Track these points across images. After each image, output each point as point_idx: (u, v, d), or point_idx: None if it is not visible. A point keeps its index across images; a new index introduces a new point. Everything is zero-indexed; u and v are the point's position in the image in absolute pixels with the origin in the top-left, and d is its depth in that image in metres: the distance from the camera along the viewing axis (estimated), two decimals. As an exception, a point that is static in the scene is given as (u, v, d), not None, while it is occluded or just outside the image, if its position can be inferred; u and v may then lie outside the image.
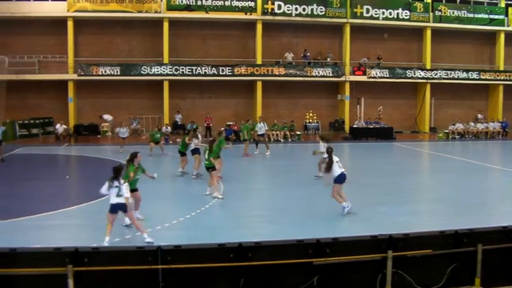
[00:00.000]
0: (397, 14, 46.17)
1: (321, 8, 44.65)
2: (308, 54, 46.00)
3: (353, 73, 45.63)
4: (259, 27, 44.16)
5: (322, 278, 8.92)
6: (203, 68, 43.01)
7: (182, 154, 23.50)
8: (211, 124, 40.86)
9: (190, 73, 42.95)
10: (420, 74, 46.88)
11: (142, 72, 42.53)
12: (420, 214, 16.74)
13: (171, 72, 42.75)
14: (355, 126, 42.82)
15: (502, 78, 48.79)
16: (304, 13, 44.46)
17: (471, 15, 47.68)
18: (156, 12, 42.77)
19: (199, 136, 23.35)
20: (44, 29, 42.74)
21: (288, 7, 44.18)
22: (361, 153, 34.84)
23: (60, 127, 38.90)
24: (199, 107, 44.44)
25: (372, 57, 46.88)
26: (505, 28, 48.65)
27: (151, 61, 43.31)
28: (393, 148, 37.21)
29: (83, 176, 25.78)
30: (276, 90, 45.49)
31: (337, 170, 15.79)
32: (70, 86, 42.42)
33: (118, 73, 42.18)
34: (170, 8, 42.78)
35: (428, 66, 47.31)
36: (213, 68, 43.12)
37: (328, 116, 47.34)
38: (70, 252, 8.35)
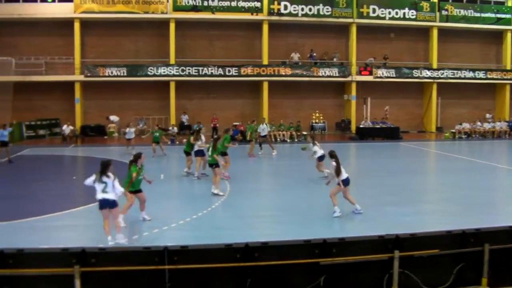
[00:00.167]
0: (404, 13, 46.09)
1: (327, 8, 44.61)
2: (315, 54, 45.97)
3: (359, 73, 45.59)
4: (265, 27, 44.17)
5: (329, 278, 8.92)
6: (209, 68, 43.04)
7: (187, 154, 23.61)
8: (217, 125, 40.90)
9: (196, 73, 42.99)
10: (427, 74, 46.78)
11: (149, 73, 42.58)
12: (427, 214, 16.71)
13: (177, 73, 42.79)
14: (361, 126, 42.75)
15: (509, 77, 48.61)
16: (310, 13, 44.43)
17: (478, 15, 47.56)
18: (162, 13, 42.83)
19: (203, 137, 23.34)
20: (51, 30, 42.90)
21: (294, 7, 44.16)
22: (368, 153, 34.78)
23: (66, 128, 39.02)
24: (206, 108, 44.47)
25: (379, 57, 46.80)
26: (512, 27, 48.55)
27: (158, 62, 43.37)
28: (399, 148, 37.14)
29: (89, 177, 25.77)
30: (282, 90, 45.46)
31: (344, 173, 15.76)
32: (77, 87, 42.54)
33: (125, 74, 42.25)
34: (177, 9, 42.83)
35: (435, 66, 47.22)
36: (220, 69, 43.15)
37: (334, 116, 47.32)
38: (77, 252, 8.37)
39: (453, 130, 43.85)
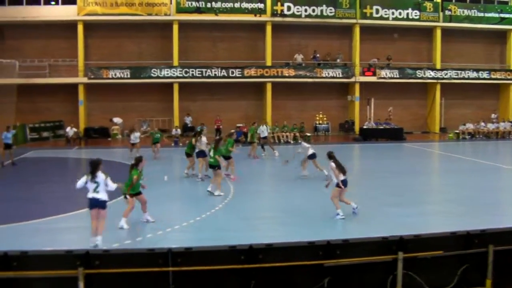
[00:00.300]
0: (407, 14, 46.08)
1: (331, 9, 44.62)
2: (318, 55, 45.97)
3: (363, 73, 45.58)
4: (268, 28, 44.19)
5: (333, 279, 8.91)
6: (213, 70, 43.10)
7: (188, 155, 23.63)
8: (221, 126, 40.95)
9: (200, 75, 43.04)
10: (430, 74, 46.74)
11: (152, 74, 42.63)
12: (431, 215, 16.70)
13: (181, 75, 42.86)
14: (365, 127, 42.72)
15: (513, 77, 48.58)
16: (313, 14, 44.46)
17: (482, 14, 47.51)
18: (166, 15, 42.89)
19: (204, 138, 23.35)
20: (55, 33, 42.98)
21: (298, 8, 44.18)
22: (371, 154, 34.76)
23: (70, 130, 39.09)
24: (209, 109, 44.49)
25: (382, 58, 46.78)
26: (516, 27, 48.47)
27: (161, 63, 43.42)
28: (403, 148, 37.10)
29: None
30: (286, 92, 45.46)
31: (341, 176, 15.71)
32: (80, 89, 42.61)
33: (128, 76, 42.33)
34: (180, 10, 42.87)
35: (438, 66, 47.17)
36: (223, 70, 43.19)
37: (338, 117, 47.30)
38: (81, 254, 8.38)
39: (457, 131, 43.77)
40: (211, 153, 19.79)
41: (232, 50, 45.43)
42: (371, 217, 15.92)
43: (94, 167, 12.85)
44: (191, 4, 42.96)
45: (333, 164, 15.77)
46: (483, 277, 9.56)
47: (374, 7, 45.53)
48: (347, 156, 33.35)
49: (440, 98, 47.38)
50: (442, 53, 47.40)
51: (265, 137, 32.55)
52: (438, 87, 47.04)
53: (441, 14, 46.83)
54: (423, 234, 9.89)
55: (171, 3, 42.89)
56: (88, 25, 43.11)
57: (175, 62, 43.21)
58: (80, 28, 42.35)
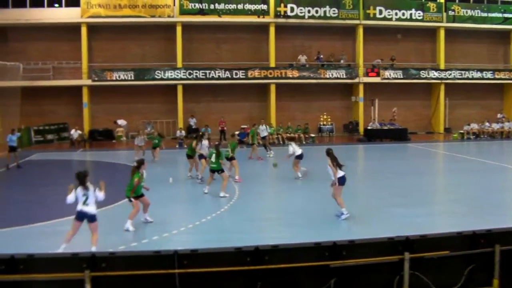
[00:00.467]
0: (410, 14, 46.08)
1: (334, 10, 44.63)
2: (321, 56, 45.97)
3: (366, 74, 45.58)
4: (272, 30, 44.21)
5: (339, 280, 8.90)
6: (216, 71, 43.12)
7: (189, 157, 23.70)
8: (225, 128, 40.97)
9: (203, 77, 43.08)
10: (434, 75, 46.71)
11: (156, 76, 42.68)
12: (437, 215, 16.68)
13: (184, 76, 42.91)
14: (369, 127, 42.68)
15: (517, 77, 48.51)
16: (317, 15, 44.46)
17: (485, 14, 47.48)
18: (169, 16, 42.94)
19: (205, 142, 23.41)
20: (58, 35, 43.09)
21: (301, 9, 44.19)
22: (376, 154, 34.74)
23: (75, 133, 39.15)
24: (213, 111, 44.55)
25: (386, 58, 46.76)
26: (520, 26, 48.41)
27: (165, 65, 43.46)
28: (408, 149, 37.07)
29: (98, 181, 25.83)
30: (289, 93, 45.49)
31: (340, 171, 15.69)
32: (85, 91, 42.68)
33: (132, 78, 42.38)
34: (183, 12, 42.92)
35: (442, 67, 47.14)
36: (227, 72, 43.21)
37: (342, 118, 47.28)
38: (87, 257, 8.38)
39: (462, 131, 43.72)
40: (213, 159, 19.85)
41: (235, 52, 45.47)
42: (377, 218, 15.91)
43: (82, 179, 12.55)
44: (194, 5, 43.01)
45: (329, 161, 15.77)
46: (490, 277, 9.54)
47: (378, 8, 45.54)
48: (352, 157, 33.42)
49: (444, 98, 47.35)
50: (445, 54, 47.38)
51: (264, 137, 32.72)
52: (442, 87, 47.03)
53: (444, 14, 46.81)
54: (429, 234, 9.86)
55: (174, 5, 42.94)
56: (91, 27, 43.20)
57: (179, 63, 43.25)
58: (83, 30, 42.44)
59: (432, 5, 46.40)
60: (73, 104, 43.22)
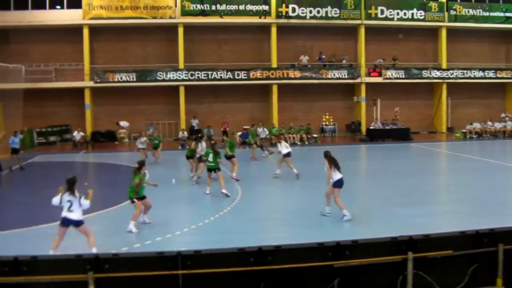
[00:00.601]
0: (412, 14, 46.07)
1: (336, 10, 44.63)
2: (323, 56, 45.97)
3: (368, 74, 45.56)
4: (273, 30, 44.23)
5: (343, 280, 8.89)
6: (218, 72, 43.13)
7: (188, 157, 23.74)
8: (227, 129, 40.96)
9: (205, 78, 43.09)
10: (436, 74, 46.69)
11: (158, 78, 42.71)
12: (440, 215, 16.65)
13: (186, 77, 42.93)
14: (371, 127, 42.70)
15: (519, 76, 48.46)
16: (318, 15, 44.47)
17: (487, 14, 47.45)
18: (171, 18, 42.98)
19: (204, 144, 23.46)
20: (60, 37, 43.16)
21: (302, 10, 44.21)
22: (378, 154, 34.73)
23: (77, 134, 39.16)
24: (216, 112, 44.58)
25: (388, 58, 46.76)
26: (522, 26, 48.35)
27: (167, 66, 43.48)
28: (410, 149, 37.04)
29: (101, 182, 25.91)
30: (291, 93, 45.51)
31: (338, 174, 15.66)
32: (87, 93, 42.72)
33: (134, 79, 42.41)
34: (185, 13, 42.95)
35: (444, 66, 47.11)
36: (229, 73, 43.23)
37: (344, 118, 47.28)
38: (90, 258, 8.39)
39: (464, 130, 43.69)
40: (210, 158, 20.01)
41: (237, 52, 45.50)
42: (380, 218, 15.91)
43: (70, 185, 12.47)
44: (196, 7, 43.05)
45: (326, 163, 15.78)
46: (493, 276, 9.54)
47: (379, 8, 45.53)
48: (354, 157, 33.43)
49: (446, 97, 47.33)
50: (447, 53, 47.36)
51: (262, 139, 32.93)
52: (444, 86, 47.00)
53: (446, 14, 46.78)
54: (432, 234, 9.85)
55: (176, 6, 42.98)
56: (93, 29, 43.23)
57: (181, 65, 43.28)
58: (85, 32, 42.49)
59: (433, 4, 46.38)
60: (75, 106, 43.29)
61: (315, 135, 41.79)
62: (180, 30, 43.15)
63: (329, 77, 44.77)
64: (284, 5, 44.04)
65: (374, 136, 41.58)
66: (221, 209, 17.35)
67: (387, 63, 46.69)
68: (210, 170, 20.22)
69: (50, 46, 43.20)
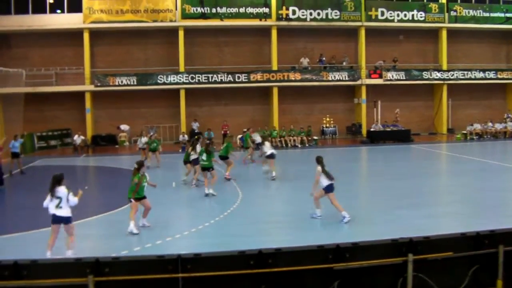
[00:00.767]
0: (412, 15, 46.06)
1: (336, 12, 44.66)
2: (324, 58, 45.98)
3: (369, 76, 45.56)
4: (274, 33, 44.25)
5: (343, 283, 8.89)
6: (219, 75, 43.15)
7: (185, 162, 23.68)
8: (228, 131, 40.94)
9: (206, 81, 43.10)
10: (437, 75, 46.67)
11: (159, 81, 42.73)
12: (440, 217, 16.64)
13: (187, 81, 42.94)
14: (372, 129, 42.67)
15: (519, 77, 48.44)
16: (318, 17, 44.49)
17: (487, 14, 47.42)
18: (171, 21, 43.02)
19: (199, 146, 23.47)
20: (61, 41, 43.22)
21: (303, 12, 44.24)
22: (379, 156, 34.72)
23: (78, 138, 39.14)
24: (216, 115, 44.62)
25: (388, 60, 46.76)
26: (522, 26, 48.34)
27: (167, 70, 43.52)
28: (411, 150, 37.02)
29: (102, 186, 25.94)
30: (292, 96, 45.53)
31: (327, 180, 15.71)
32: (87, 97, 42.74)
33: (135, 82, 42.43)
34: (185, 16, 42.98)
35: (445, 67, 47.09)
36: (229, 75, 43.24)
37: (345, 120, 47.26)
38: (91, 262, 8.39)
39: (465, 132, 43.66)
40: (204, 157, 20.35)
41: (238, 55, 45.53)
42: (380, 220, 15.91)
43: (57, 182, 12.59)
44: (196, 10, 43.08)
45: (319, 168, 15.81)
46: (493, 277, 9.53)
47: (379, 9, 45.54)
48: (355, 159, 33.46)
49: (447, 99, 47.31)
50: (448, 54, 47.35)
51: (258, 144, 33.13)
52: (445, 88, 46.98)
53: (446, 15, 46.76)
54: (433, 235, 9.84)
55: (176, 9, 43.02)
56: (94, 33, 43.26)
57: (181, 68, 43.31)
58: (86, 36, 42.52)
59: (434, 5, 46.38)
60: (76, 110, 43.31)
61: (315, 137, 41.74)
62: (181, 33, 43.17)
63: (330, 79, 44.75)
64: (284, 8, 44.07)
65: (375, 138, 41.54)
66: (221, 212, 17.34)
67: (388, 64, 46.69)
68: (204, 169, 20.53)
69: (51, 50, 43.26)
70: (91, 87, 42.57)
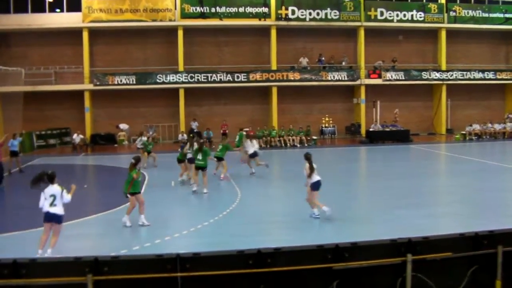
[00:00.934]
0: (411, 16, 46.04)
1: (335, 12, 44.64)
2: (323, 58, 45.95)
3: (368, 76, 45.54)
4: (273, 32, 44.21)
5: (342, 283, 8.89)
6: (218, 75, 43.11)
7: (179, 161, 23.53)
8: (227, 131, 40.90)
9: (205, 80, 43.06)
10: (436, 76, 46.66)
11: (158, 80, 42.69)
12: (439, 217, 16.65)
13: (186, 80, 42.90)
14: (371, 129, 42.67)
15: (518, 77, 48.46)
16: (318, 17, 44.47)
17: (486, 15, 47.41)
18: (170, 20, 42.97)
19: (195, 145, 23.45)
20: (60, 40, 43.15)
21: (302, 12, 44.21)
22: (378, 156, 34.76)
23: (77, 137, 39.14)
24: (215, 114, 44.58)
25: (387, 60, 46.73)
26: (521, 27, 48.35)
27: (167, 69, 43.48)
28: (410, 150, 37.04)
29: (101, 185, 25.95)
30: (291, 95, 45.50)
31: (315, 176, 15.77)
32: (86, 96, 42.69)
33: (134, 82, 42.39)
34: (185, 16, 42.95)
35: (444, 67, 47.09)
36: (228, 75, 43.19)
37: (344, 120, 47.24)
38: (89, 261, 8.38)
39: (464, 132, 43.67)
40: (199, 156, 20.51)
41: (237, 55, 45.50)
42: (379, 220, 15.92)
43: (50, 179, 12.67)
44: (196, 9, 43.05)
45: (307, 165, 15.87)
46: (492, 278, 9.53)
47: (379, 10, 45.51)
48: (354, 159, 33.47)
49: (446, 99, 47.30)
50: (447, 54, 47.33)
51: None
52: (444, 88, 46.97)
53: (445, 15, 46.75)
54: (432, 236, 9.84)
55: (175, 8, 42.98)
56: (93, 32, 43.23)
57: (181, 67, 43.28)
58: (85, 35, 42.48)
59: (433, 6, 46.36)
60: (75, 109, 43.27)
61: (314, 137, 41.72)
62: (180, 33, 43.14)
63: (329, 79, 44.73)
64: (283, 7, 44.04)
65: (374, 138, 41.55)
66: (220, 212, 17.33)
67: (387, 64, 46.66)
68: (198, 168, 20.70)
69: (50, 49, 43.22)
70: (90, 86, 42.54)
